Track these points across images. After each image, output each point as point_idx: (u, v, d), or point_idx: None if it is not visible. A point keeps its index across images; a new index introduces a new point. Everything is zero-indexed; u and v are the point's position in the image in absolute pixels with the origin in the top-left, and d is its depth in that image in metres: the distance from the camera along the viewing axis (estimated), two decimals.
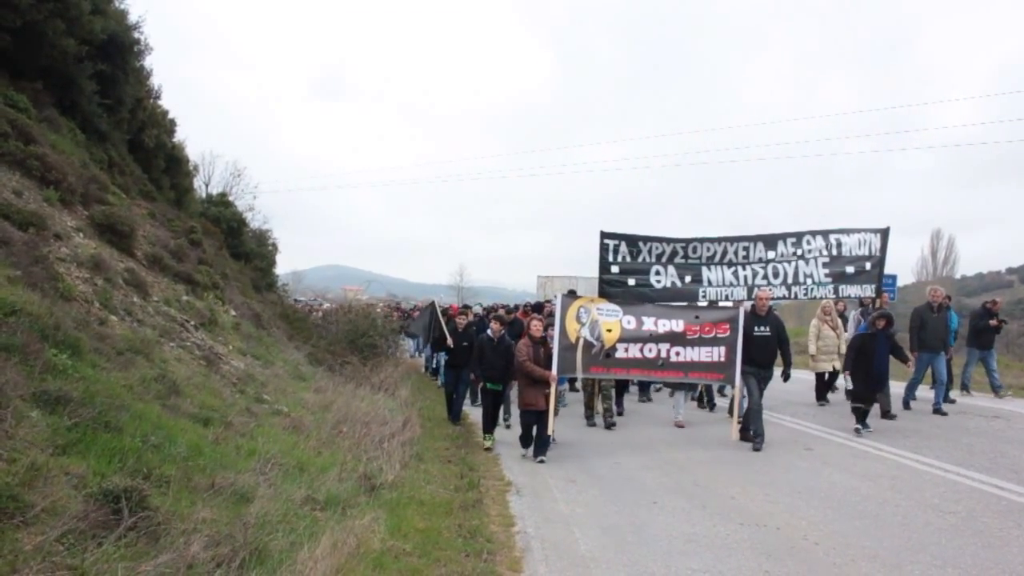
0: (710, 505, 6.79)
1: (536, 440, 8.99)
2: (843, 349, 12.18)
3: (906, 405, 11.90)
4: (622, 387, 12.51)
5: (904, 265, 52.85)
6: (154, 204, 15.51)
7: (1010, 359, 19.65)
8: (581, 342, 9.52)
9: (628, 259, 11.16)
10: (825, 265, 11.07)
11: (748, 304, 10.42)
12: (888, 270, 11.57)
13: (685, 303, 10.78)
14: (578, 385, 13.00)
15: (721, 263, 11.30)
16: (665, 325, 9.77)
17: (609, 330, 9.63)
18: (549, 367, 9.16)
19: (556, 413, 9.66)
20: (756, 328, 9.74)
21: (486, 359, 9.98)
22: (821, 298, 11.70)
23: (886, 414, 10.72)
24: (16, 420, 4.36)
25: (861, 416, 9.98)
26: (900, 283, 21.40)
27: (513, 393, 10.86)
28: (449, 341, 11.78)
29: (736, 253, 11.28)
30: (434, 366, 17.98)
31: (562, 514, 6.60)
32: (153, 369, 6.99)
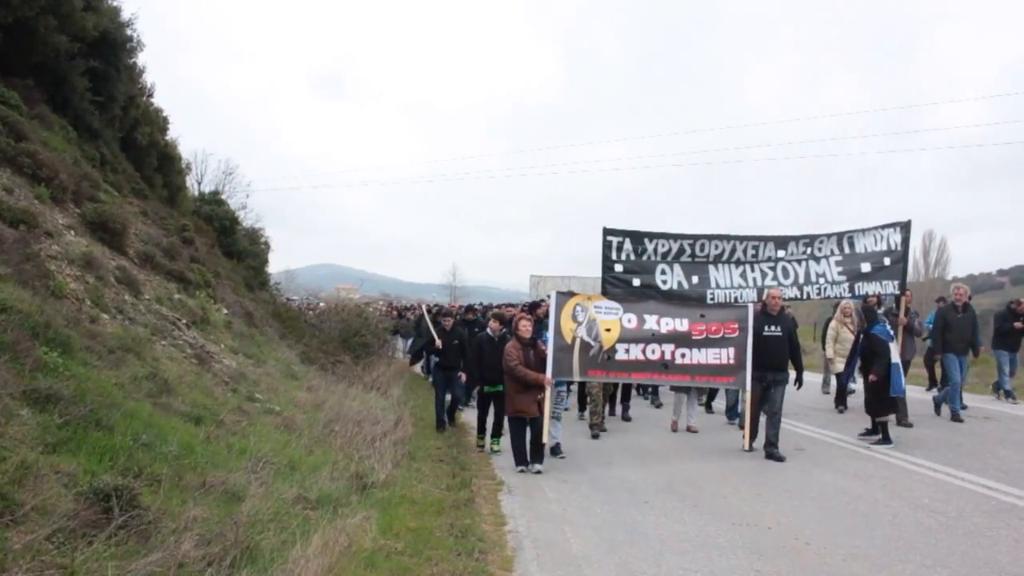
0: (701, 505, 6.80)
1: (531, 447, 8.28)
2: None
3: (955, 416, 10.79)
4: (628, 391, 12.01)
5: None
6: (146, 202, 15.45)
7: None
8: (578, 343, 8.86)
9: (632, 257, 10.73)
10: (838, 263, 10.67)
11: (758, 305, 9.78)
12: None
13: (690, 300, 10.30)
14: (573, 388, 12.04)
15: (729, 262, 10.86)
16: (669, 324, 9.14)
17: (608, 329, 8.98)
18: (541, 370, 8.47)
19: (559, 418, 9.22)
20: (767, 328, 9.07)
21: (485, 359, 9.36)
22: (835, 298, 11.23)
23: (900, 422, 10.07)
24: (6, 418, 4.35)
25: (884, 429, 9.24)
26: None
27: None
28: (438, 342, 11.27)
29: (745, 251, 10.85)
30: (422, 366, 17.77)
31: (554, 513, 6.61)
32: (144, 367, 6.97)
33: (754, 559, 5.33)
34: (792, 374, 9.29)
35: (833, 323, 12.18)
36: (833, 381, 12.72)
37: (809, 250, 10.77)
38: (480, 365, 9.52)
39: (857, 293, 10.74)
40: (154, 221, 14.02)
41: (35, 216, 8.22)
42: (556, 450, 8.96)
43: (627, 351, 9.01)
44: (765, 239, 10.90)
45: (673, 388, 10.85)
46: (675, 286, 10.72)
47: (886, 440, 9.15)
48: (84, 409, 4.95)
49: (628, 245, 10.71)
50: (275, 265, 39.29)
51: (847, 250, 10.69)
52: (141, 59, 17.62)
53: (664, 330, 9.12)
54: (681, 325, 9.15)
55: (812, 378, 14.04)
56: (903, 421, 10.15)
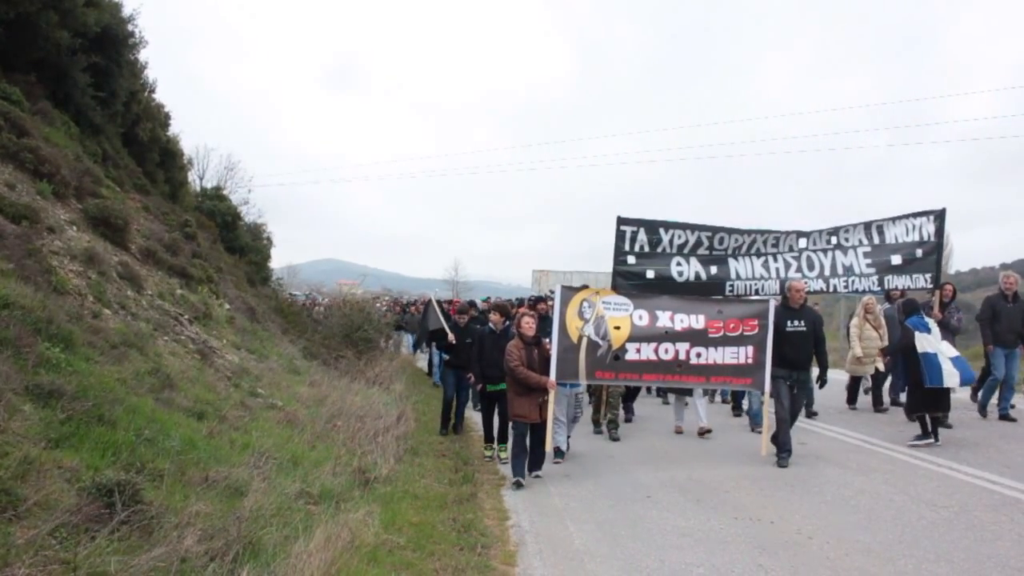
0: (704, 499, 6.80)
1: (531, 453, 7.67)
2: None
3: (1003, 415, 10.28)
4: (635, 390, 11.32)
5: None
6: (148, 197, 15.46)
7: None
8: (584, 342, 8.13)
9: (647, 248, 10.02)
10: (867, 255, 9.97)
11: (779, 298, 9.17)
12: None
13: (707, 295, 9.66)
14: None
15: (749, 254, 10.20)
16: (683, 321, 8.42)
17: (617, 327, 8.24)
18: (545, 371, 7.81)
19: (575, 421, 8.86)
20: (789, 323, 8.42)
21: (486, 355, 8.79)
22: (863, 291, 10.40)
23: (942, 422, 9.11)
24: (9, 414, 4.35)
25: (932, 426, 8.73)
26: None
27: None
28: (451, 337, 10.65)
29: (766, 243, 10.19)
30: (428, 366, 17.36)
31: (556, 508, 6.61)
32: (147, 363, 6.97)
33: (757, 553, 5.33)
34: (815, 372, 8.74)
35: (855, 320, 11.69)
36: (867, 381, 11.99)
37: (835, 240, 10.13)
38: (481, 361, 8.93)
39: (887, 287, 10.14)
40: (156, 217, 14.04)
41: (37, 212, 8.22)
42: (556, 453, 8.44)
43: (638, 351, 8.28)
44: (787, 232, 10.27)
45: (672, 390, 10.41)
46: (692, 277, 10.07)
47: (925, 436, 8.71)
48: (87, 404, 4.96)
49: (642, 235, 10.04)
50: (277, 260, 39.34)
51: (876, 240, 10.00)
52: (143, 55, 17.65)
53: (679, 327, 8.41)
54: (697, 322, 8.45)
55: (835, 376, 13.31)
56: (943, 421, 9.15)
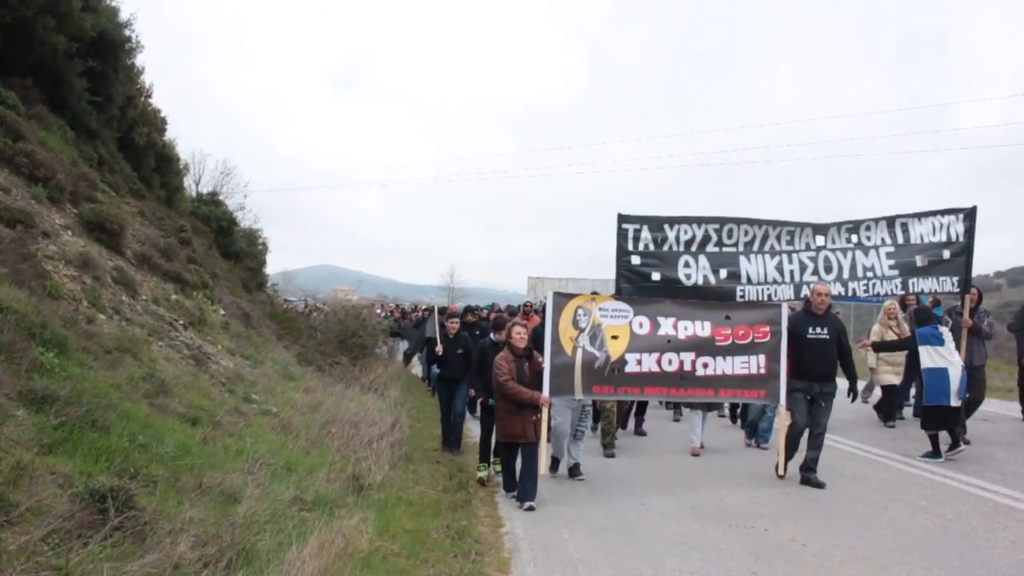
0: (698, 507, 6.80)
1: (522, 479, 6.99)
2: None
3: None
4: (644, 404, 10.52)
5: None
6: (144, 202, 15.42)
7: (999, 362, 19.68)
8: (580, 354, 7.51)
9: (652, 247, 9.21)
10: (889, 256, 9.20)
11: (795, 304, 8.70)
12: None
13: (714, 300, 8.84)
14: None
15: (761, 251, 9.35)
16: (688, 328, 7.76)
17: (615, 337, 7.59)
18: (537, 386, 7.20)
19: (580, 437, 8.17)
20: (811, 330, 7.71)
21: (487, 368, 7.79)
22: (885, 295, 9.71)
23: (959, 438, 8.60)
24: (1, 419, 4.34)
25: (952, 440, 8.39)
26: None
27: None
28: (439, 348, 9.81)
29: (779, 238, 9.35)
30: (424, 375, 17.14)
31: (551, 515, 6.60)
32: (141, 368, 6.96)
33: (751, 561, 5.33)
34: (840, 384, 8.11)
35: (876, 327, 11.07)
36: (877, 391, 11.49)
37: (855, 238, 9.34)
38: (482, 375, 8.19)
39: (911, 290, 9.40)
40: (152, 221, 14.00)
41: (32, 216, 8.21)
42: (574, 471, 8.00)
43: (639, 362, 7.61)
44: (802, 225, 9.45)
45: (687, 404, 9.61)
46: (700, 281, 9.21)
47: (935, 454, 8.39)
48: (80, 410, 4.94)
49: (646, 233, 9.21)
50: (273, 266, 39.26)
51: (900, 239, 9.24)
52: (140, 59, 17.63)
53: (682, 335, 7.74)
54: (703, 329, 7.80)
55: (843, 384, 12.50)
56: (961, 436, 8.63)
